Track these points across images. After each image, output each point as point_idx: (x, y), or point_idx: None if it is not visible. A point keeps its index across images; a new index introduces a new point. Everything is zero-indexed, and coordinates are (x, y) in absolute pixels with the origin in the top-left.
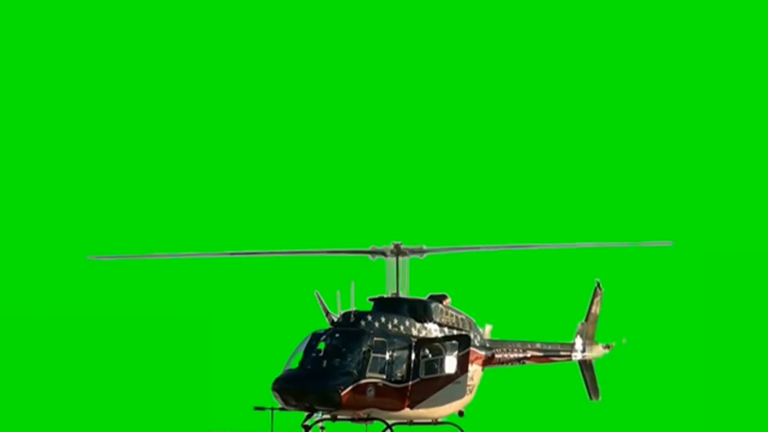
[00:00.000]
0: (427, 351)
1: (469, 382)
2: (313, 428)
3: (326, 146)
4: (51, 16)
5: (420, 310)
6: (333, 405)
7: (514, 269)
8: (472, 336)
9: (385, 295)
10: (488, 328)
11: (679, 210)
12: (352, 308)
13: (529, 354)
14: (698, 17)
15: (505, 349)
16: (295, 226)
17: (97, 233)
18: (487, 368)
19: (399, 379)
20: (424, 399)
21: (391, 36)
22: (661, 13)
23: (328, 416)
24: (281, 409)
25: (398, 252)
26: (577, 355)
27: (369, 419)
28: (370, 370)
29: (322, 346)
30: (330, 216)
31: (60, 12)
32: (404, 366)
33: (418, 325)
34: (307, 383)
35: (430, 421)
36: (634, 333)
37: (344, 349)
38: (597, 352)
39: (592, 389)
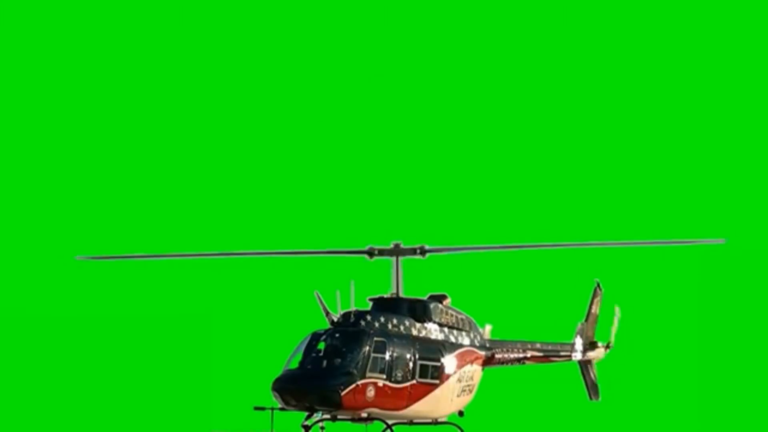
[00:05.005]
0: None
1: (469, 382)
2: (313, 428)
3: (326, 146)
4: (50, 16)
5: (420, 310)
6: (333, 405)
7: (514, 269)
8: (471, 336)
9: (385, 295)
10: (488, 328)
11: (677, 209)
12: (352, 308)
13: (529, 354)
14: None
15: (505, 349)
16: (295, 226)
17: (92, 234)
18: (487, 368)
19: (399, 379)
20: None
21: (391, 36)
22: (673, 8)
23: (328, 416)
24: (281, 409)
25: (398, 252)
26: (577, 355)
27: (369, 419)
28: (370, 370)
29: (322, 346)
30: (329, 216)
31: (59, 12)
32: (405, 366)
33: (418, 325)
34: (307, 383)
35: (430, 421)
36: (634, 333)
37: (344, 349)
38: (597, 352)
39: (592, 389)
